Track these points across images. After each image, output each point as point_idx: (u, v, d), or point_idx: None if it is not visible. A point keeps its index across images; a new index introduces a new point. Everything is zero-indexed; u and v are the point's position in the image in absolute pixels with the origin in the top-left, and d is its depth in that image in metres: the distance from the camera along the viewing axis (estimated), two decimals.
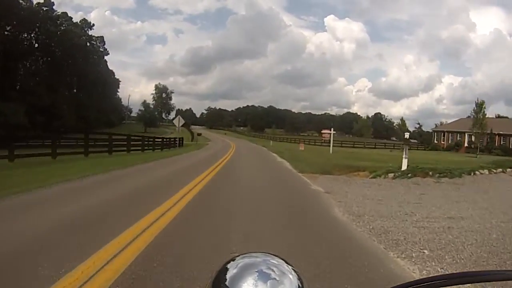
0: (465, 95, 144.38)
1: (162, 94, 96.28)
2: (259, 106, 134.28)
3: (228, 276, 0.50)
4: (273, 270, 0.50)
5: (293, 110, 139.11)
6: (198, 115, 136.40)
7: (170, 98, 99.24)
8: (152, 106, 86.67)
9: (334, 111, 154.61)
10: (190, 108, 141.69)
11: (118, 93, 73.28)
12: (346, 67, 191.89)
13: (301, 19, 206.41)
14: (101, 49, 63.12)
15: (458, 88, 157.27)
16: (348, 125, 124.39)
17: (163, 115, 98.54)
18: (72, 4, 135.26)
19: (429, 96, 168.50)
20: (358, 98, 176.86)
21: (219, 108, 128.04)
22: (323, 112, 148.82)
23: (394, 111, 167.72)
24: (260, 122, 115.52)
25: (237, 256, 0.54)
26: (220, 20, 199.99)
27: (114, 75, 69.06)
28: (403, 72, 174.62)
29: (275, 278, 0.49)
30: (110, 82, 64.54)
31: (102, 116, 55.05)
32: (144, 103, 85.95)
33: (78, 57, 51.00)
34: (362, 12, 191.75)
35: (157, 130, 70.45)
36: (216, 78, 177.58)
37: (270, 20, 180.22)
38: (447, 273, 0.83)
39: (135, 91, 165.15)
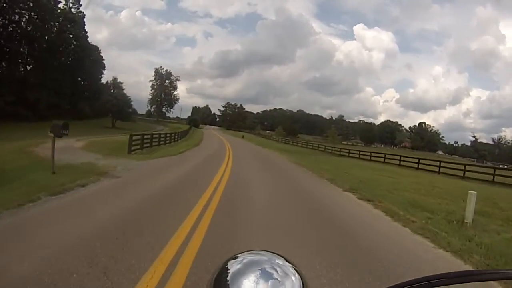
0: (492, 109, 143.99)
1: (164, 81, 79.35)
2: (287, 110, 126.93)
3: (231, 270, 0.51)
4: (276, 271, 0.50)
5: (324, 116, 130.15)
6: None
7: (175, 87, 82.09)
8: (123, 88, 60.51)
9: (368, 120, 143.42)
10: (207, 105, 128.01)
11: (102, 76, 56.79)
12: (374, 77, 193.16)
13: (330, 27, 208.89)
14: (73, 10, 45.68)
15: (486, 102, 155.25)
16: (388, 135, 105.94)
17: (164, 108, 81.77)
18: (103, 3, 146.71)
19: (456, 109, 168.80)
20: (385, 109, 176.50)
21: (240, 105, 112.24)
22: (354, 120, 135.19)
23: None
24: (289, 126, 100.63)
25: (244, 252, 0.55)
26: (249, 25, 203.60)
27: (98, 52, 52.96)
28: (431, 83, 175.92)
29: (277, 279, 0.49)
30: (89, 60, 48.24)
31: (63, 102, 39.42)
32: (115, 82, 60.27)
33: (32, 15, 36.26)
34: (392, 21, 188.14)
35: (132, 125, 49.08)
36: (244, 82, 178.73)
37: (299, 26, 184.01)
38: (445, 272, 0.43)
39: None
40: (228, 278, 0.49)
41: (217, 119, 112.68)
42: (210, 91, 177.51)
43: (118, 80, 61.17)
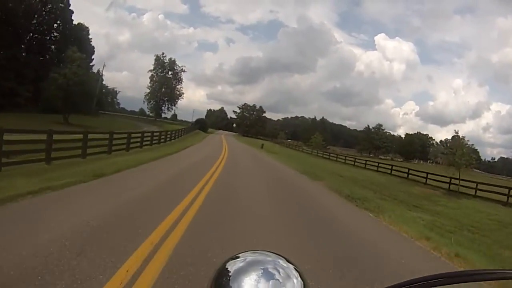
0: None
1: (167, 72, 65.26)
2: (309, 118, 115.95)
3: (234, 268, 0.51)
4: (278, 272, 0.50)
5: (347, 126, 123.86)
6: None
7: (179, 80, 67.46)
8: (102, 75, 50.41)
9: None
10: (222, 108, 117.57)
11: (92, 64, 47.54)
12: (394, 88, 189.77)
13: (351, 36, 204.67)
14: None
15: (506, 117, 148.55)
16: (420, 148, 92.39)
17: (165, 106, 66.76)
18: (125, 5, 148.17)
19: (475, 123, 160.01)
20: (405, 122, 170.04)
21: (260, 107, 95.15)
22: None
23: (439, 136, 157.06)
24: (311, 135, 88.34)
25: (248, 251, 0.55)
26: (271, 32, 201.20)
27: (86, 32, 44.41)
28: (451, 97, 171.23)
29: (278, 280, 0.49)
30: (70, 41, 39.02)
31: (21, 88, 29.83)
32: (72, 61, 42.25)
33: None
34: (413, 31, 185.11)
35: (101, 121, 37.30)
36: (264, 90, 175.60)
37: (321, 35, 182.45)
38: (444, 272, 0.46)
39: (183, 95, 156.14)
40: (230, 275, 0.49)
41: (234, 125, 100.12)
42: (230, 98, 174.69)
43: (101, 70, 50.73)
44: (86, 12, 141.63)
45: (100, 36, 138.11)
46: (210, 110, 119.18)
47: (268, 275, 0.49)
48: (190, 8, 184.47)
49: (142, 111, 74.96)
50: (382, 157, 67.98)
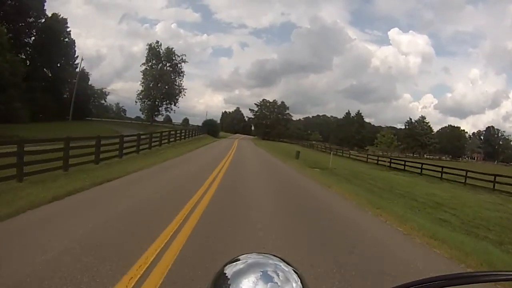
0: None
1: (164, 66, 52.66)
2: (331, 116, 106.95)
3: (234, 269, 0.51)
4: (278, 275, 0.50)
5: (372, 123, 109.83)
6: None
7: (180, 73, 53.88)
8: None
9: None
10: (238, 108, 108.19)
11: (75, 64, 40.70)
12: (411, 82, 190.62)
13: (365, 33, 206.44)
14: None
15: None
16: (451, 144, 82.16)
17: (161, 106, 53.70)
18: (137, 17, 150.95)
19: (495, 113, 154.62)
20: (424, 115, 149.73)
21: (282, 103, 76.51)
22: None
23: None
24: (339, 134, 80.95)
25: (251, 253, 0.55)
26: (284, 34, 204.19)
27: (65, 29, 37.29)
28: (468, 87, 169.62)
29: (277, 283, 0.49)
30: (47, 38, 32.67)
31: None
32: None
33: None
34: (426, 24, 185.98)
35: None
36: (281, 92, 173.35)
37: (334, 34, 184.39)
38: (446, 274, 0.49)
39: (200, 101, 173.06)
40: (229, 277, 0.50)
41: (252, 127, 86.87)
42: (248, 101, 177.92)
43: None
44: (98, 27, 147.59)
45: (115, 48, 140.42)
46: (226, 112, 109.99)
47: (267, 278, 0.48)
48: (202, 16, 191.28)
49: (186, 122, 67.83)
50: (430, 156, 58.20)
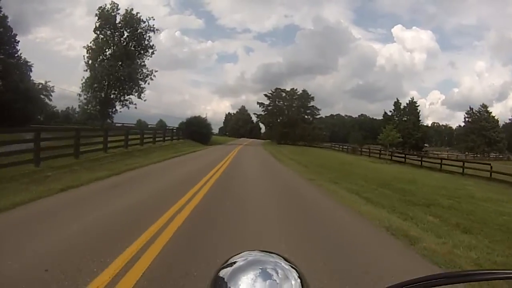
0: None
1: (122, 36, 32.22)
2: (346, 115, 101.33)
3: (234, 266, 0.51)
4: (277, 272, 0.50)
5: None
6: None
7: (146, 48, 33.80)
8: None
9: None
10: (244, 107, 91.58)
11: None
12: (417, 79, 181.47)
13: (369, 32, 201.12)
14: None
15: None
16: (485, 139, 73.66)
17: (117, 101, 33.40)
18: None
19: (503, 105, 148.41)
20: (432, 112, 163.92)
21: (303, 91, 54.74)
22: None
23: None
24: (356, 135, 74.36)
25: (251, 250, 0.54)
26: (289, 36, 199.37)
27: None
28: (475, 81, 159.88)
29: (275, 280, 0.48)
30: None
31: None
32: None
33: None
34: (429, 19, 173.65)
35: None
36: None
37: (338, 34, 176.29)
38: (446, 271, 0.60)
39: (207, 108, 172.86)
40: (229, 273, 0.49)
41: (262, 129, 70.19)
42: (255, 106, 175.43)
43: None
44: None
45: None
46: (229, 113, 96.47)
47: (266, 275, 0.48)
48: (205, 22, 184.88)
49: (161, 123, 43.86)
50: (499, 155, 46.96)
